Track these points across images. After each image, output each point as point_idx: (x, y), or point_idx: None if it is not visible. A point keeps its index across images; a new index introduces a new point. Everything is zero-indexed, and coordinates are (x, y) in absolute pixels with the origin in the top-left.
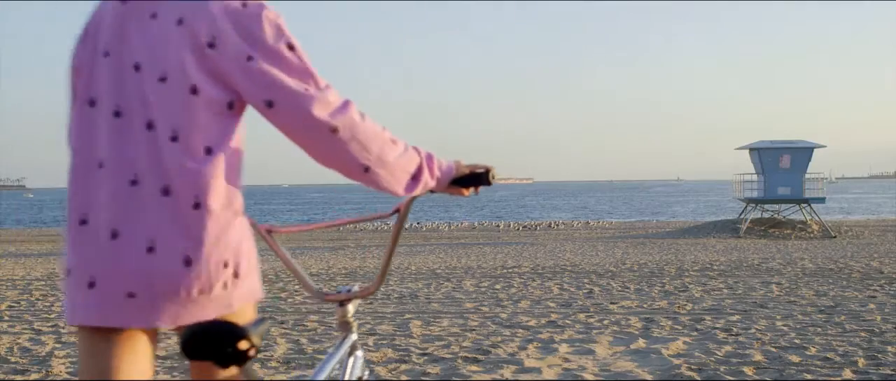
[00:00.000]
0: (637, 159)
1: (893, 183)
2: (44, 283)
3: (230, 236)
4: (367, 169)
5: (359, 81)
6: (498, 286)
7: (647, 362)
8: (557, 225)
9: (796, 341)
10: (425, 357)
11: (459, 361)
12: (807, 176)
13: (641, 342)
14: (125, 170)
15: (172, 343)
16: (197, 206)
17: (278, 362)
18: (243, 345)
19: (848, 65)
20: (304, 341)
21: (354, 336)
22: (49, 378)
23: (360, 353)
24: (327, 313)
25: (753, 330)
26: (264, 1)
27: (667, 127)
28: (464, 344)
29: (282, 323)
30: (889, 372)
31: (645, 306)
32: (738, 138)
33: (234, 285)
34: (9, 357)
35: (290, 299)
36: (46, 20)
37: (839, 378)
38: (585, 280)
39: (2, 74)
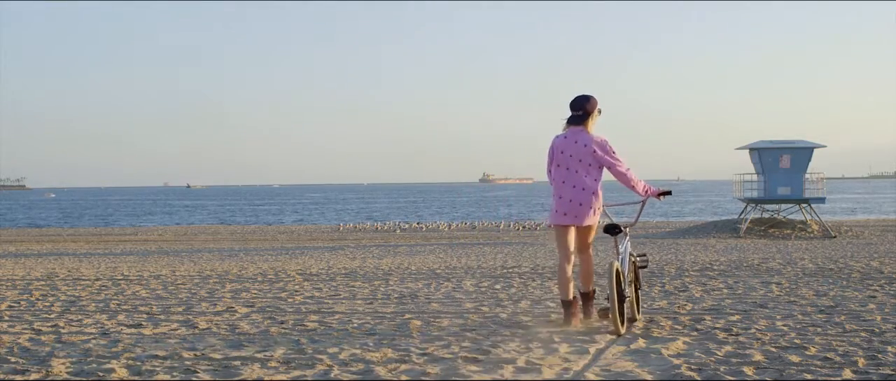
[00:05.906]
0: (637, 159)
1: (893, 183)
2: (44, 283)
3: (598, 203)
4: (632, 187)
5: (364, 85)
6: (498, 286)
7: (647, 362)
8: None
9: (796, 341)
10: (425, 357)
11: (459, 361)
12: (807, 176)
13: (641, 342)
14: (572, 185)
15: (173, 343)
16: (590, 194)
17: (278, 362)
18: (617, 229)
19: (847, 65)
20: (304, 341)
21: (628, 237)
22: (49, 378)
23: (630, 242)
24: (327, 314)
25: (753, 330)
26: (605, 138)
27: (667, 127)
28: (464, 344)
29: (282, 323)
30: (889, 372)
31: (645, 306)
32: (738, 138)
33: (595, 216)
34: (9, 357)
35: (290, 299)
36: (46, 20)
37: (839, 378)
38: None
39: (2, 74)
